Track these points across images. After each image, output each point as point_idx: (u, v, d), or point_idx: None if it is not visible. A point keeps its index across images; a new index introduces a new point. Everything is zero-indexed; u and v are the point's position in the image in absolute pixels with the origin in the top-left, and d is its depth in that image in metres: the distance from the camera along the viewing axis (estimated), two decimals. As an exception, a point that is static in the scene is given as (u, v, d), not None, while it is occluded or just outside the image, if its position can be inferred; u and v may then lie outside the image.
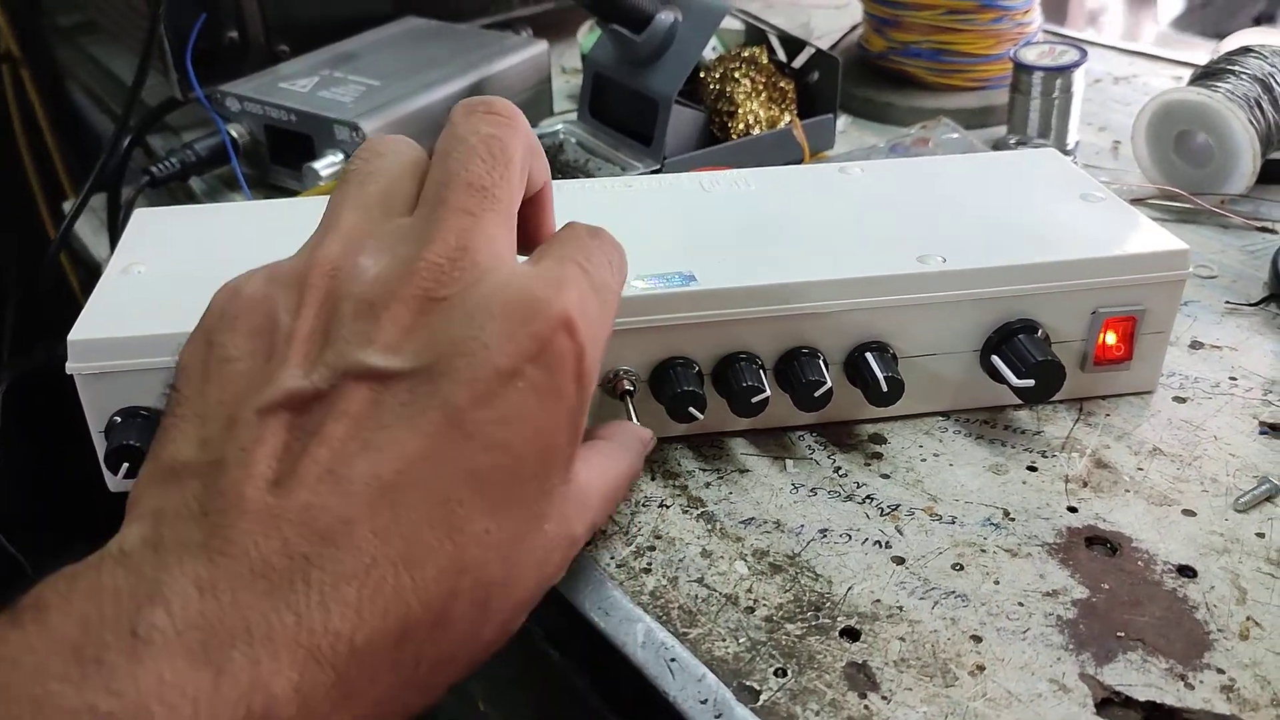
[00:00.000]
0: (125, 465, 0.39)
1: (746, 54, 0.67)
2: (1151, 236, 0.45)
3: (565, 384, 0.28)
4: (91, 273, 0.82)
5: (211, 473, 0.26)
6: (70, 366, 0.39)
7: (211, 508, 0.25)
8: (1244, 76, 0.61)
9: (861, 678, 0.33)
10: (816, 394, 0.42)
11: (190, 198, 0.70)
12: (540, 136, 0.69)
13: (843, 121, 0.74)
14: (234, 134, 0.67)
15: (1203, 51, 0.70)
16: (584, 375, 0.29)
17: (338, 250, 0.29)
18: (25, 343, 0.83)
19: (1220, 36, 0.69)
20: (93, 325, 0.40)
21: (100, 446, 0.40)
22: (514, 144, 0.31)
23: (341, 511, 0.25)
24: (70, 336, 0.39)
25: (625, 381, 0.42)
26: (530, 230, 0.35)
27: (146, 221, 0.48)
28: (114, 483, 0.41)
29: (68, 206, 0.85)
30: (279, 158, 0.67)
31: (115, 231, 0.72)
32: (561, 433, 0.29)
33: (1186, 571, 0.37)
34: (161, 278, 0.43)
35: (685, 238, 0.45)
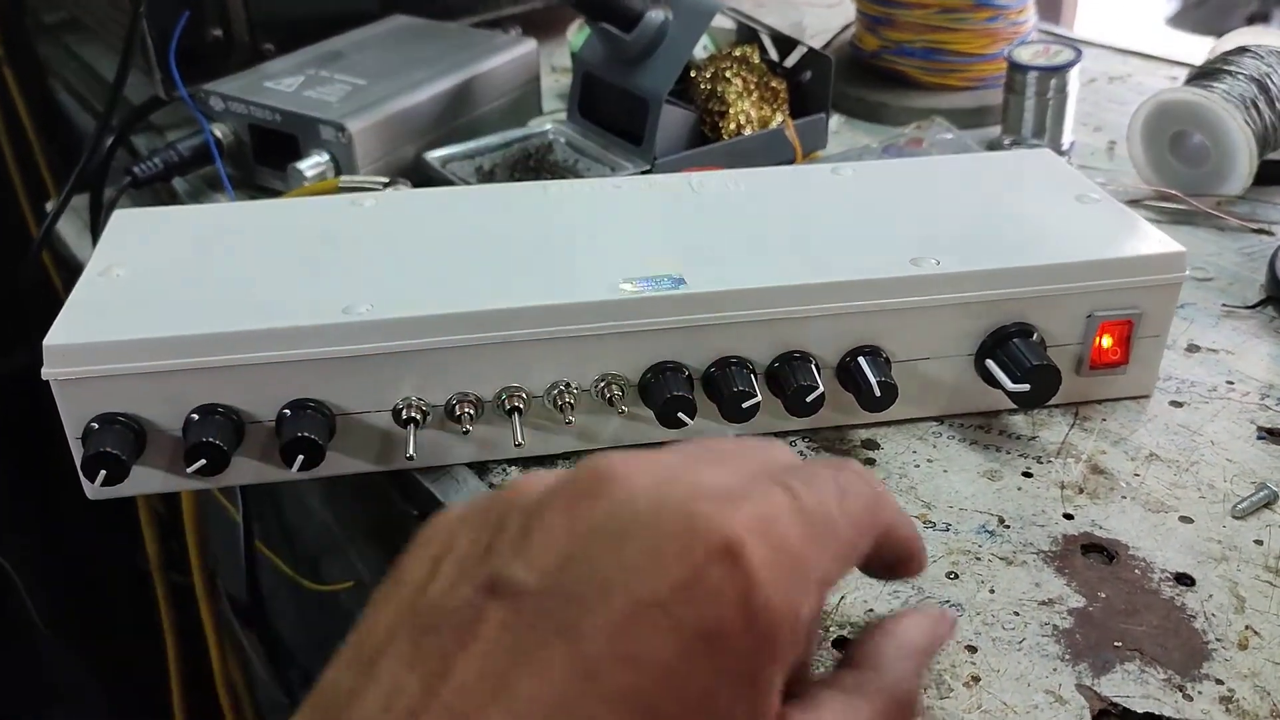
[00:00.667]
0: (102, 473, 0.39)
1: (738, 53, 0.67)
2: (1147, 239, 0.44)
3: (724, 627, 0.23)
4: (74, 273, 0.81)
5: (348, 703, 0.23)
6: (46, 372, 0.39)
7: None
8: (1240, 76, 0.60)
9: (855, 690, 0.33)
10: (808, 399, 0.41)
11: (173, 198, 0.69)
12: (529, 136, 0.68)
13: (835, 121, 0.73)
14: (218, 134, 0.66)
15: (1198, 50, 0.69)
16: (756, 619, 0.23)
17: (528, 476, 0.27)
18: (6, 343, 0.82)
19: (1215, 34, 0.69)
20: (69, 330, 0.39)
21: (77, 453, 0.40)
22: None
23: None
24: (46, 341, 0.39)
25: (614, 387, 0.41)
26: None
27: (126, 223, 0.47)
28: (91, 490, 0.40)
29: (50, 206, 0.84)
30: (264, 158, 0.66)
31: (97, 232, 0.71)
32: (722, 691, 0.23)
33: (1184, 580, 0.37)
34: (141, 281, 0.43)
35: (675, 240, 0.44)
